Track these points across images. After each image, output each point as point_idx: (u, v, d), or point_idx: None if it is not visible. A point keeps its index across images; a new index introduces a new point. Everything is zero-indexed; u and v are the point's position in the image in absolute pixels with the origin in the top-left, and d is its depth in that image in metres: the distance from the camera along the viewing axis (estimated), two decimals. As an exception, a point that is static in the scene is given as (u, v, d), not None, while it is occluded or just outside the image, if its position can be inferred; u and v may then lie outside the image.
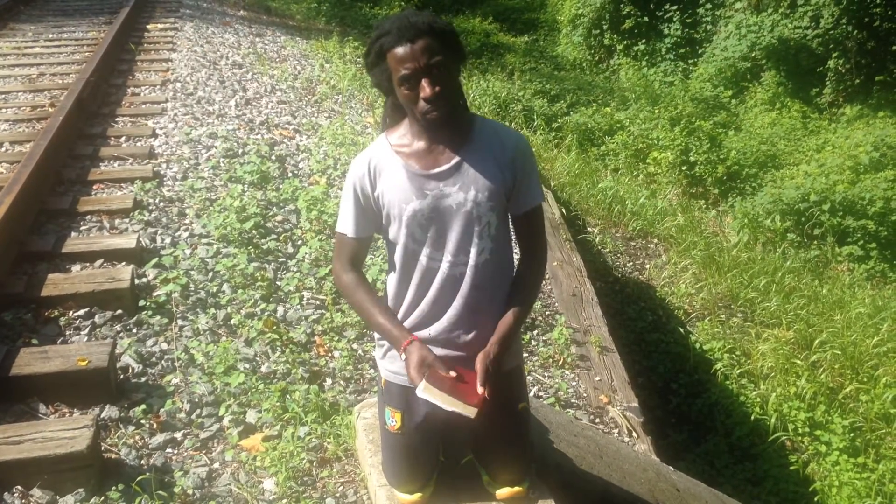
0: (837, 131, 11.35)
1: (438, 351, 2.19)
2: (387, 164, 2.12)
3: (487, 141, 2.12)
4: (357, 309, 2.27)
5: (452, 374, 2.08)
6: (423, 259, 2.15)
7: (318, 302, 3.98)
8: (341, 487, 2.77)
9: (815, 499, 4.64)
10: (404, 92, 1.99)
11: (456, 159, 2.09)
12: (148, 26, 9.94)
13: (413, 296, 2.21)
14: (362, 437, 2.76)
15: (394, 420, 2.31)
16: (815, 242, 7.98)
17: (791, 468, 4.84)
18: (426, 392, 2.04)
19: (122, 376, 3.22)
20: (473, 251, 2.13)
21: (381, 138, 2.19)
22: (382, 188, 2.12)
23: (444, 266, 2.14)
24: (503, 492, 2.40)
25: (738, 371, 5.50)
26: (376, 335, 2.36)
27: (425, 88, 1.95)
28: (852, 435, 5.01)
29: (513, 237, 2.30)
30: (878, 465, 4.86)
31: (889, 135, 9.43)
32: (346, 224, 2.20)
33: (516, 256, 2.30)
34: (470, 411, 2.02)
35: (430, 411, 2.20)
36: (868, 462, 4.86)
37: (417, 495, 2.39)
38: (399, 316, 2.25)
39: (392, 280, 2.25)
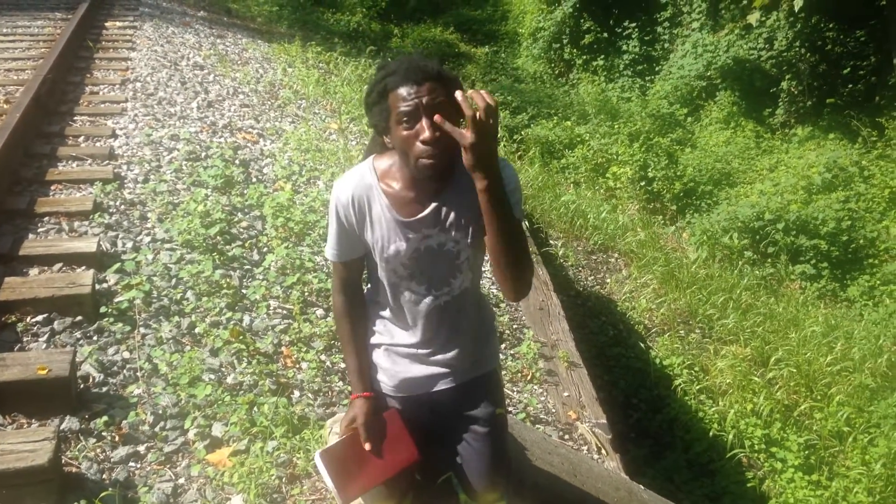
0: (790, 151, 11.62)
1: (417, 368, 2.21)
2: (371, 202, 2.05)
3: (464, 175, 1.98)
4: (338, 335, 2.31)
5: (368, 446, 2.14)
6: (405, 292, 2.14)
7: (285, 311, 3.91)
8: (312, 504, 2.71)
9: (772, 515, 4.71)
10: (402, 132, 1.89)
11: (435, 204, 2.03)
12: (106, 24, 9.70)
13: (395, 316, 2.21)
14: (334, 453, 2.70)
15: None
16: (770, 260, 8.14)
17: (748, 485, 4.90)
18: (321, 459, 2.10)
19: (82, 386, 3.11)
20: (455, 282, 2.14)
21: (367, 164, 2.10)
22: (364, 224, 2.07)
23: (427, 298, 2.13)
24: (480, 511, 2.37)
25: (697, 387, 5.56)
26: None
27: (425, 130, 1.86)
28: (807, 452, 5.10)
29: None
30: (831, 482, 4.95)
31: (840, 156, 9.69)
32: (331, 249, 2.16)
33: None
34: (339, 501, 2.10)
35: (407, 419, 2.24)
36: (822, 479, 4.95)
37: (393, 513, 2.35)
38: (380, 328, 2.25)
39: (373, 297, 2.24)
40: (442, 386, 2.26)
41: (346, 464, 2.11)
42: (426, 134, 1.86)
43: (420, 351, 2.22)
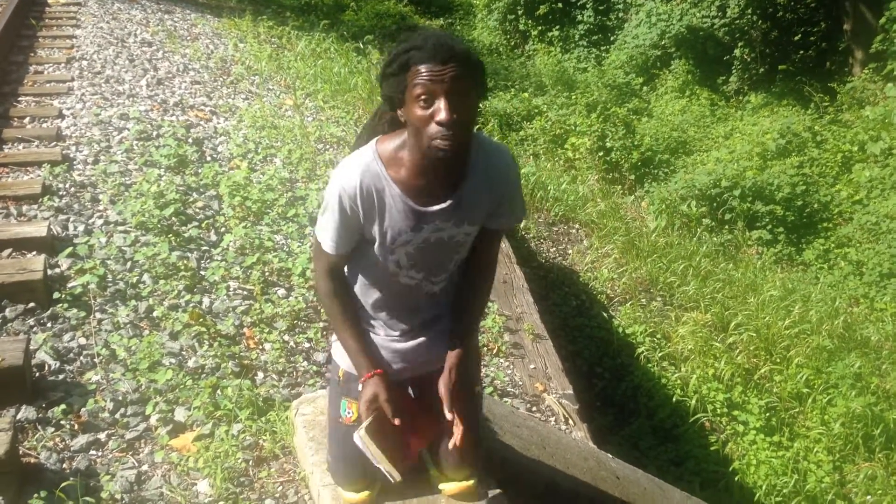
0: (744, 118, 11.76)
1: (399, 352, 2.20)
2: (381, 189, 1.96)
3: (483, 172, 1.99)
4: (330, 318, 2.22)
5: (397, 421, 2.09)
6: (401, 279, 2.11)
7: (245, 292, 3.83)
8: (280, 487, 2.67)
9: (735, 478, 4.79)
10: (417, 111, 1.80)
11: (455, 196, 1.98)
12: (49, 1, 9.38)
13: (384, 302, 2.19)
14: (302, 435, 2.67)
15: (350, 412, 2.24)
16: (728, 227, 8.25)
17: (711, 448, 4.99)
18: (363, 440, 2.07)
19: (37, 374, 3.02)
20: (451, 266, 2.13)
21: (370, 149, 2.00)
22: (374, 213, 1.98)
23: (422, 283, 2.12)
24: (451, 487, 2.35)
25: (660, 354, 5.62)
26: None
27: (442, 111, 1.77)
28: (768, 414, 5.20)
29: None
30: (792, 443, 5.06)
31: (794, 122, 9.82)
32: (326, 238, 2.06)
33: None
34: (395, 475, 2.10)
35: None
36: (783, 440, 5.05)
37: (365, 493, 2.32)
38: (363, 312, 2.22)
39: (361, 283, 2.19)
40: (424, 369, 2.23)
41: (384, 441, 2.09)
42: (443, 115, 1.77)
43: (403, 337, 2.20)
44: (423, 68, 1.79)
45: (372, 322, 2.21)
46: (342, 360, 2.27)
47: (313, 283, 2.22)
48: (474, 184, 1.99)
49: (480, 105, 2.02)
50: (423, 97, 1.79)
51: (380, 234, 2.01)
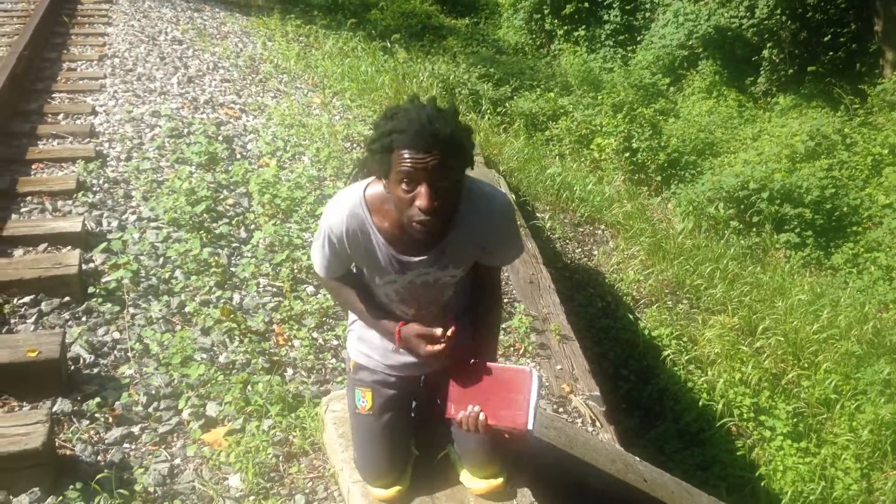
0: (772, 120, 11.64)
1: (402, 358, 2.28)
2: (367, 234, 2.03)
3: (469, 222, 2.02)
4: (345, 305, 2.31)
5: (439, 331, 2.11)
6: (395, 310, 2.19)
7: (275, 289, 3.87)
8: (310, 483, 2.70)
9: (762, 483, 4.75)
10: (400, 192, 1.84)
11: (438, 247, 2.03)
12: (81, -1, 9.51)
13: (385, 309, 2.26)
14: (331, 431, 2.69)
15: (364, 400, 2.30)
16: (755, 229, 8.17)
17: (738, 453, 4.94)
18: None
19: (72, 367, 3.07)
20: (442, 300, 2.19)
21: (357, 196, 2.03)
22: (361, 252, 2.07)
23: (417, 316, 2.18)
24: (480, 486, 2.37)
25: (686, 357, 5.58)
26: (349, 318, 2.42)
27: (423, 198, 1.80)
28: (795, 420, 5.15)
29: None
30: (819, 449, 5.00)
31: (823, 124, 9.71)
32: (322, 268, 2.18)
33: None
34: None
35: (398, 387, 2.32)
36: (810, 447, 5.00)
37: (394, 489, 2.35)
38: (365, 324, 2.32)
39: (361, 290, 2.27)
40: (435, 367, 2.26)
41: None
42: (424, 203, 1.81)
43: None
44: (406, 153, 1.80)
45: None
46: (353, 349, 2.37)
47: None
48: (459, 233, 2.02)
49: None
50: (404, 181, 1.82)
51: (367, 271, 2.11)
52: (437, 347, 2.08)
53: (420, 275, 2.07)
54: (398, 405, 2.33)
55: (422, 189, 1.81)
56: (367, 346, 2.33)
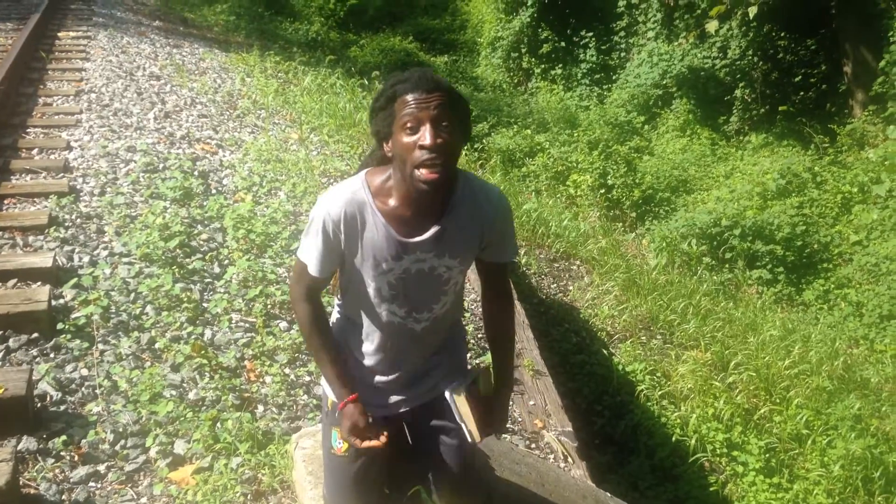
0: (744, 158, 11.82)
1: (386, 388, 2.22)
2: (366, 217, 1.99)
3: (469, 208, 2.02)
4: (307, 343, 2.20)
5: (384, 438, 2.13)
6: (382, 312, 2.10)
7: (247, 325, 3.86)
8: (279, 521, 2.67)
9: (735, 519, 4.76)
10: (403, 139, 1.85)
11: (437, 228, 1.99)
12: (59, 34, 9.54)
13: (367, 342, 2.18)
14: (301, 469, 2.68)
15: (340, 442, 2.24)
16: (728, 266, 8.27)
17: (711, 489, 4.95)
18: (453, 397, 2.14)
19: (39, 404, 3.04)
20: (437, 307, 2.12)
21: (359, 179, 2.04)
22: (356, 240, 2.00)
23: (407, 321, 2.11)
24: (450, 524, 2.35)
25: (660, 392, 5.61)
26: None
27: (427, 136, 1.82)
28: (767, 455, 5.17)
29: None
30: (791, 484, 5.02)
31: (794, 163, 9.88)
32: (310, 260, 2.07)
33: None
34: (475, 436, 2.15)
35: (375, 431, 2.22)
36: (783, 482, 5.02)
37: (362, 527, 2.32)
38: (352, 343, 2.21)
39: (345, 312, 2.20)
40: (411, 405, 2.24)
41: (473, 404, 2.16)
42: (428, 139, 1.82)
43: (389, 374, 2.20)
44: (409, 97, 1.86)
45: (361, 357, 2.21)
46: (329, 391, 2.26)
47: (291, 307, 2.19)
48: (458, 218, 2.01)
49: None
50: (409, 125, 1.85)
51: (361, 262, 2.03)
52: (370, 444, 2.10)
53: (417, 261, 2.02)
54: (374, 449, 2.29)
55: (425, 128, 1.83)
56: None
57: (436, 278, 2.06)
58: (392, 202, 1.98)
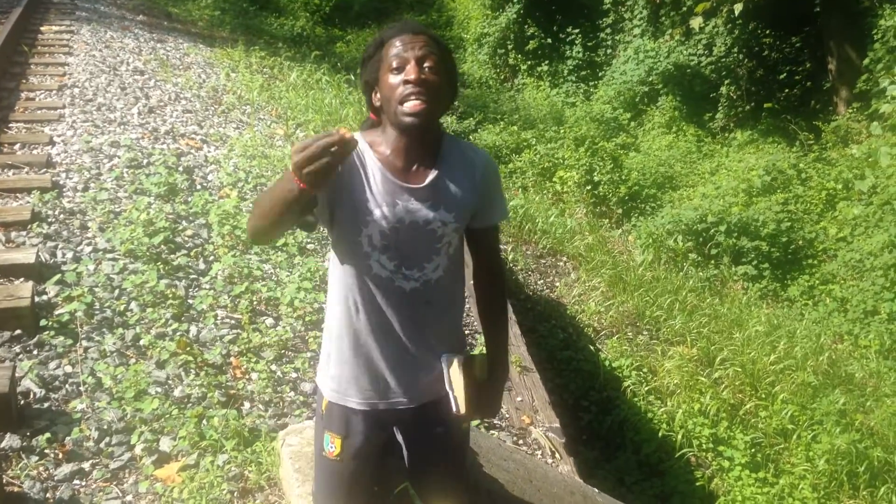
0: (730, 155, 11.88)
1: (390, 380, 2.13)
2: (363, 159, 2.00)
3: (458, 160, 2.05)
4: (263, 206, 1.91)
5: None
6: (373, 265, 2.02)
7: (233, 321, 3.83)
8: (265, 518, 2.66)
9: (721, 514, 4.78)
10: (390, 79, 1.90)
11: (431, 176, 1.99)
12: (42, 28, 9.44)
13: (356, 308, 2.07)
14: (288, 466, 2.66)
15: (333, 446, 2.20)
16: (714, 262, 8.30)
17: (697, 484, 4.97)
18: (447, 364, 2.10)
19: (23, 402, 3.01)
20: (429, 267, 2.05)
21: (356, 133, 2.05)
22: (353, 181, 1.97)
23: (396, 277, 2.03)
24: (438, 521, 2.34)
25: (646, 388, 5.62)
26: (322, 357, 2.24)
27: (411, 71, 1.87)
28: (753, 450, 5.20)
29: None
30: (777, 479, 5.05)
31: (779, 159, 9.93)
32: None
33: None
34: (461, 407, 2.10)
35: (369, 435, 2.17)
36: (768, 477, 5.05)
37: (350, 527, 2.30)
38: (339, 332, 2.12)
39: (335, 291, 2.15)
40: (408, 400, 2.20)
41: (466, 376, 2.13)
42: (412, 74, 1.86)
43: (381, 348, 2.10)
44: (396, 40, 1.91)
45: (358, 347, 2.16)
46: (325, 388, 2.20)
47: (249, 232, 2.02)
48: (449, 169, 2.03)
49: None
50: (394, 65, 1.89)
51: (355, 204, 1.97)
52: (329, 139, 1.71)
53: (410, 211, 1.98)
54: (367, 454, 2.24)
55: (410, 65, 1.88)
56: (339, 381, 2.16)
57: (429, 233, 2.01)
58: (384, 149, 2.00)
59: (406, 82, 1.87)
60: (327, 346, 2.21)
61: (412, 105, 1.87)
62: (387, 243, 2.00)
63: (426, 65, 1.89)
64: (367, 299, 2.08)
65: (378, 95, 1.96)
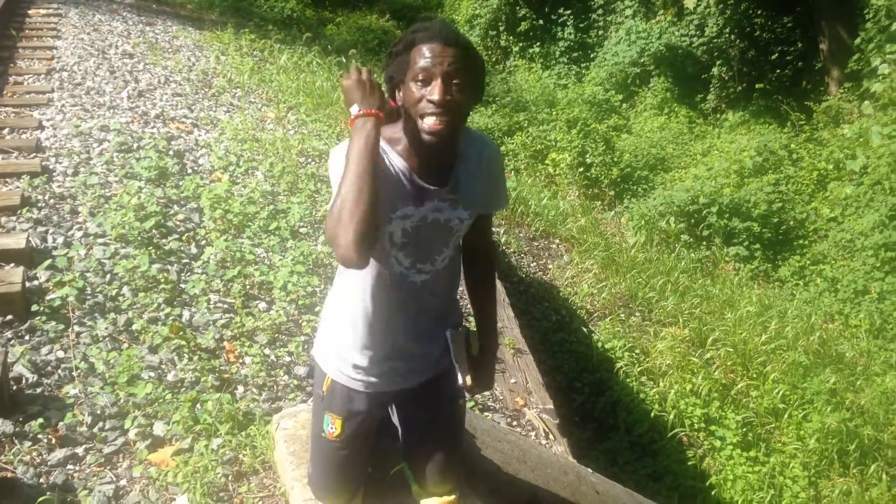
0: (721, 136, 11.89)
1: (390, 365, 2.17)
2: (386, 160, 1.96)
3: (474, 156, 2.04)
4: (351, 191, 1.82)
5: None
6: (390, 261, 2.05)
7: (226, 305, 3.82)
8: (260, 503, 2.66)
9: (713, 493, 4.82)
10: (413, 90, 1.86)
11: (451, 176, 2.00)
12: (29, 12, 9.33)
13: (367, 301, 2.10)
14: (282, 449, 2.66)
15: (333, 427, 2.22)
16: (705, 243, 8.32)
17: (689, 463, 5.01)
18: (452, 338, 2.19)
19: (15, 387, 3.00)
20: (438, 259, 2.08)
21: None
22: (378, 178, 1.88)
23: (409, 272, 2.07)
24: (433, 502, 2.35)
25: (639, 369, 5.65)
26: (322, 333, 2.25)
27: (435, 91, 1.82)
28: (744, 430, 5.24)
29: None
30: (768, 458, 5.09)
31: (771, 140, 9.94)
32: None
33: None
34: (466, 380, 2.21)
35: (369, 415, 2.22)
36: (759, 456, 5.09)
37: (347, 508, 2.32)
38: (352, 319, 2.13)
39: (347, 281, 2.14)
40: (411, 383, 2.22)
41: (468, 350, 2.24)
42: (436, 95, 1.82)
43: (387, 340, 2.14)
44: (426, 48, 1.86)
45: (365, 336, 2.17)
46: (328, 366, 2.21)
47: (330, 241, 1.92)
48: (466, 167, 2.02)
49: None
50: (420, 77, 1.85)
51: (380, 204, 1.91)
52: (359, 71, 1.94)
53: (435, 209, 2.00)
54: (366, 434, 2.26)
55: (436, 83, 1.84)
56: (345, 361, 2.18)
57: (447, 230, 2.05)
58: (403, 150, 1.98)
59: (430, 102, 1.84)
60: (332, 329, 2.23)
61: (432, 124, 1.85)
62: (407, 240, 2.02)
63: (454, 82, 1.85)
64: (380, 292, 2.11)
65: (401, 94, 1.93)
